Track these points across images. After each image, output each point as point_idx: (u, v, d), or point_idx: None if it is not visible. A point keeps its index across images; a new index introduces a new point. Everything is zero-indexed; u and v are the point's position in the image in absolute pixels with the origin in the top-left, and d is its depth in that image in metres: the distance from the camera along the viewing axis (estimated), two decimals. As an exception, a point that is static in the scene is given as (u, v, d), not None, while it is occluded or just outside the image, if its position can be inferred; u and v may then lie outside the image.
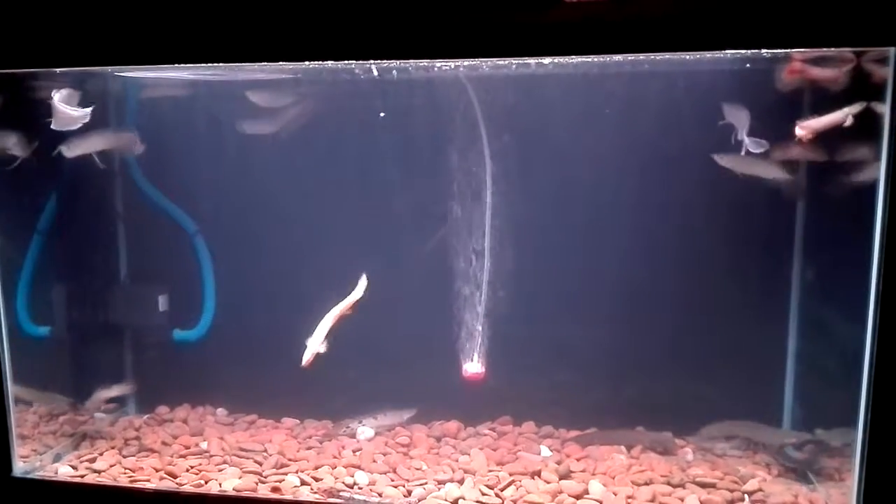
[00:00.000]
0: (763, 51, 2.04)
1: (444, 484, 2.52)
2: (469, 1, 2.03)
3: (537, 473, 2.58)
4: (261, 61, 2.25)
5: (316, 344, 2.53)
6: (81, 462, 2.72)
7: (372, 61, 2.24)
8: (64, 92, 2.50)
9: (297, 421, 3.03)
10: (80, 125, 2.55)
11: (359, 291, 2.58)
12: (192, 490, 2.53)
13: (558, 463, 2.65)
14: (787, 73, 2.28)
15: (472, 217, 2.68)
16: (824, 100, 2.31)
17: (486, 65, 2.39)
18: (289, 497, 2.47)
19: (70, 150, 2.67)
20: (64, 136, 2.62)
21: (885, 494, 2.09)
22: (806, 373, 2.73)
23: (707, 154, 2.51)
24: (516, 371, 2.79)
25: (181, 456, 2.75)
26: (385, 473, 2.61)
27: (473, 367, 2.68)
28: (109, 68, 2.53)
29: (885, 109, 2.01)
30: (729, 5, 1.95)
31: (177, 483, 2.57)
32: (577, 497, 2.45)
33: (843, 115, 2.20)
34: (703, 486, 2.48)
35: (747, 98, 2.39)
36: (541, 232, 2.73)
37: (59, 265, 3.02)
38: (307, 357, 2.54)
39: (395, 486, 2.53)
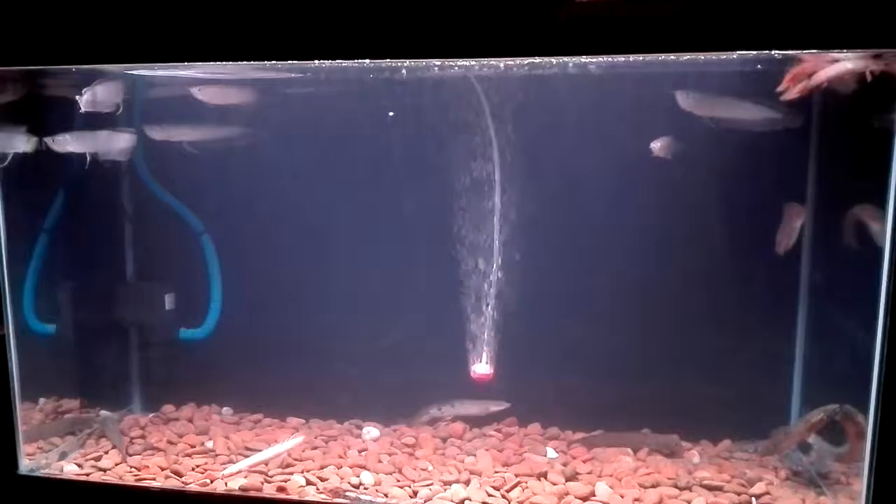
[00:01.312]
0: (774, 52, 2.02)
1: (450, 485, 2.52)
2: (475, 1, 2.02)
3: (543, 475, 2.57)
4: (269, 60, 2.24)
5: (245, 465, 2.61)
6: (87, 460, 2.71)
7: (380, 60, 2.22)
8: (109, 83, 2.52)
9: (303, 420, 3.03)
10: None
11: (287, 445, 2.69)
12: (198, 489, 2.52)
13: (564, 465, 2.64)
14: (788, 79, 2.20)
15: (481, 218, 2.67)
16: (832, 101, 2.30)
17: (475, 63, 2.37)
18: (294, 497, 2.47)
19: (58, 146, 2.67)
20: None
21: (894, 500, 2.08)
22: (813, 377, 2.72)
23: (708, 156, 2.50)
24: (523, 372, 2.78)
25: (187, 455, 2.74)
26: (391, 474, 2.60)
27: (482, 368, 2.68)
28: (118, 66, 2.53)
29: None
30: (739, 5, 1.94)
31: (182, 482, 2.57)
32: (584, 499, 2.44)
33: (830, 74, 2.11)
34: (711, 489, 2.47)
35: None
36: (550, 233, 2.72)
37: (65, 263, 3.01)
38: (231, 471, 2.60)
39: (401, 487, 2.52)
